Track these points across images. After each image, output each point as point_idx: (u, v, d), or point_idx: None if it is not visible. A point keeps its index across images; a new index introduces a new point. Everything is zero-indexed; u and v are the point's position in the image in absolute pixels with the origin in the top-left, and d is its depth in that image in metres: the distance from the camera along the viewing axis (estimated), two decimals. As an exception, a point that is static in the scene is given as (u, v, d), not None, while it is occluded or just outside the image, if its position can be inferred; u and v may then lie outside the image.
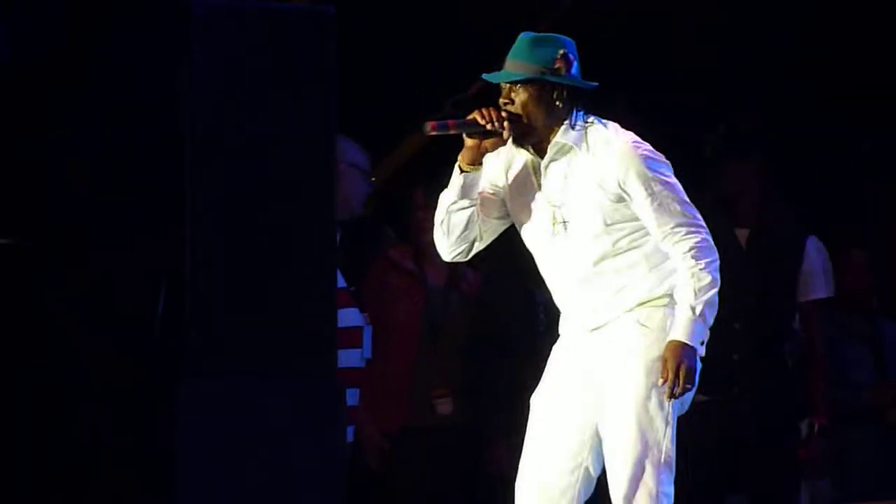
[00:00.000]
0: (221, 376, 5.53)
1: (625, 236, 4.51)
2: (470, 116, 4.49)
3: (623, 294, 4.49)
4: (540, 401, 4.59)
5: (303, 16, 5.74)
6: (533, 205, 4.56)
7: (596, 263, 4.50)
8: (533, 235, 4.59)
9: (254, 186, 5.60)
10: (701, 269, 4.42)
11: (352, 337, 6.26)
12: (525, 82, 4.49)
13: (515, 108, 4.49)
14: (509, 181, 4.61)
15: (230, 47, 5.58)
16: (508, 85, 4.52)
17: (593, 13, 7.42)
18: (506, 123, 4.47)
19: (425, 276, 6.71)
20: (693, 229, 4.46)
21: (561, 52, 4.51)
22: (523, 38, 4.55)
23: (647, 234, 4.50)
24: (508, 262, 6.50)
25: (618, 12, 7.50)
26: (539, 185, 4.55)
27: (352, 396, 6.25)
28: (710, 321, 4.44)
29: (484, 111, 4.46)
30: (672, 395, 4.37)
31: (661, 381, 4.38)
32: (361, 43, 6.74)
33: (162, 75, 5.69)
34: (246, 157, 5.59)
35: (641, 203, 4.46)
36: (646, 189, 4.46)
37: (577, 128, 4.53)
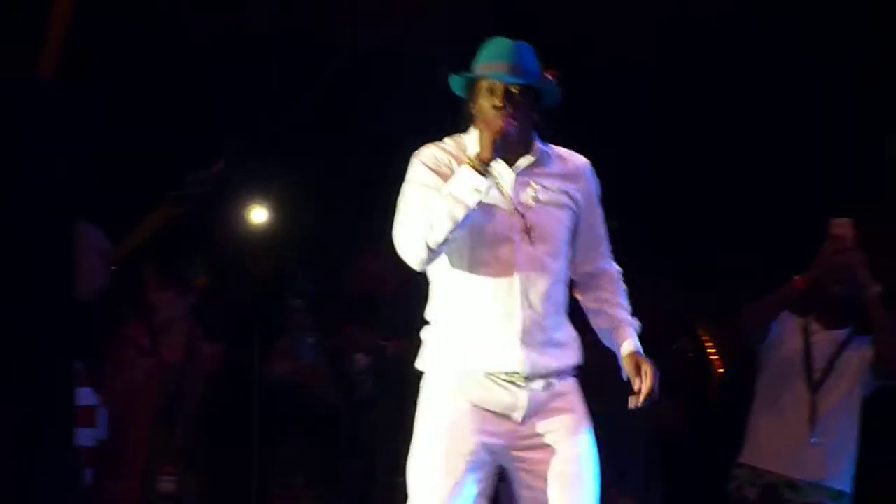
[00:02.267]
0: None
1: (566, 266, 4.53)
2: (503, 122, 4.34)
3: (564, 349, 4.49)
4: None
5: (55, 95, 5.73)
6: (495, 214, 4.43)
7: (551, 285, 4.45)
8: (489, 248, 4.42)
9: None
10: (627, 293, 4.60)
11: (86, 416, 6.25)
12: (530, 88, 4.42)
13: (511, 113, 4.38)
14: None
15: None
16: (508, 87, 4.41)
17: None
18: (515, 128, 4.39)
19: (161, 353, 6.66)
20: None
21: (543, 64, 4.51)
22: (512, 42, 4.46)
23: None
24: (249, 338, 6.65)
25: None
26: (503, 195, 4.45)
27: (86, 476, 6.23)
28: None
29: (509, 123, 4.34)
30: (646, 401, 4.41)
31: (643, 389, 4.39)
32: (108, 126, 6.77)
33: None
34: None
35: (596, 221, 4.56)
36: (600, 210, 4.57)
37: (545, 142, 4.55)
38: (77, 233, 5.80)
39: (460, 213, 4.29)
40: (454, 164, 4.41)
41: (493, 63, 4.42)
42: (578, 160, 4.58)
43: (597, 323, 4.63)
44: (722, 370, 8.04)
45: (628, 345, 4.52)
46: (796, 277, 6.19)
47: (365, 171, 7.39)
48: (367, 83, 7.50)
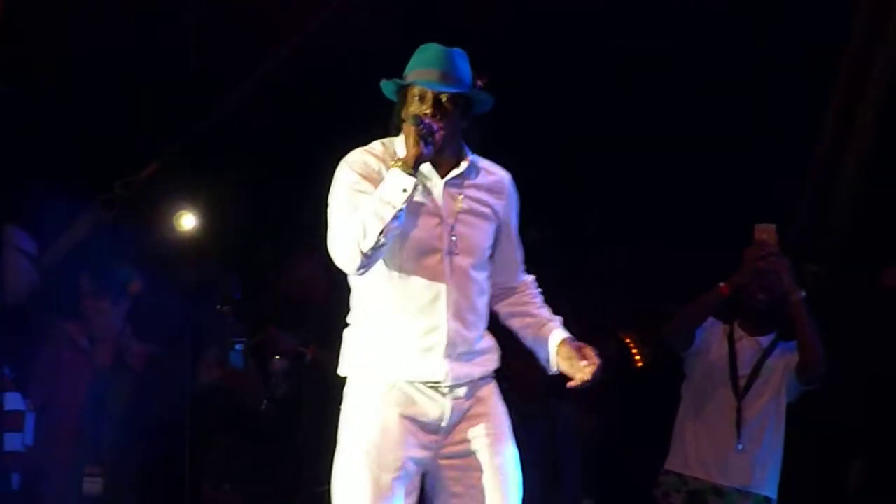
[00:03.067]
0: None
1: (488, 277, 4.54)
2: (426, 121, 4.31)
3: (485, 356, 4.51)
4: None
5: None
6: (423, 223, 4.42)
7: (475, 296, 4.46)
8: (417, 256, 4.41)
9: None
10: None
11: (14, 421, 6.21)
12: (460, 96, 4.40)
13: (440, 120, 4.36)
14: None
15: None
16: (438, 95, 4.39)
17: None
18: (442, 133, 4.36)
19: (95, 356, 6.61)
20: None
21: (476, 72, 4.48)
22: (445, 49, 4.44)
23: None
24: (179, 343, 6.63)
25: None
26: (433, 204, 4.44)
27: (13, 481, 6.19)
28: None
29: (432, 119, 4.32)
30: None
31: (587, 368, 4.43)
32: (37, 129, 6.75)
33: None
34: None
35: (514, 235, 4.59)
36: (517, 223, 4.60)
37: (471, 152, 4.54)
38: (3, 236, 5.77)
39: (388, 215, 4.27)
40: (383, 170, 4.40)
41: (425, 70, 4.41)
42: (502, 173, 4.61)
43: (519, 325, 4.67)
44: (640, 366, 8.11)
45: (559, 333, 4.57)
46: (721, 284, 6.22)
47: (294, 175, 7.39)
48: (295, 85, 7.49)
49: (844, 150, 7.88)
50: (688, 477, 6.30)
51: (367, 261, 4.33)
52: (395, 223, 4.29)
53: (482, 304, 4.51)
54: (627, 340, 8.16)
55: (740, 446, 6.22)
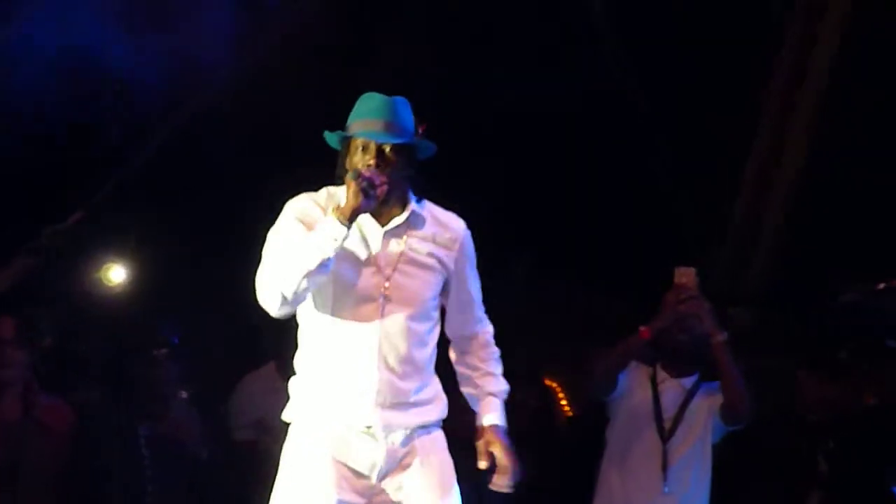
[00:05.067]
0: None
1: (432, 328, 4.50)
2: (367, 175, 4.30)
3: (426, 407, 4.48)
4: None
5: None
6: (360, 271, 4.38)
7: (412, 347, 4.42)
8: (352, 304, 4.38)
9: None
10: (499, 356, 4.62)
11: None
12: (404, 146, 4.38)
13: (384, 171, 4.33)
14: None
15: None
16: (382, 146, 4.36)
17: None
18: (385, 187, 4.33)
19: (1, 412, 6.40)
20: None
21: (417, 118, 4.47)
22: (388, 98, 4.40)
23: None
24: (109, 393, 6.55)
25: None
26: (370, 253, 4.41)
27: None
28: None
29: (373, 172, 4.29)
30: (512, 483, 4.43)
31: (504, 469, 4.42)
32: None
33: None
34: None
35: (469, 286, 4.54)
36: (475, 272, 4.55)
37: (421, 200, 4.51)
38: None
39: (315, 262, 4.27)
40: (323, 217, 4.39)
41: (368, 120, 4.41)
42: (455, 224, 4.59)
43: (465, 390, 4.67)
44: (569, 416, 8.11)
45: (488, 418, 4.55)
46: (642, 328, 6.27)
47: (228, 216, 7.40)
48: (216, 129, 7.50)
49: (770, 191, 8.00)
50: None
51: (288, 304, 4.33)
52: (322, 270, 4.29)
53: (421, 355, 4.48)
54: (555, 387, 8.16)
55: (667, 489, 6.24)
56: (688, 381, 6.42)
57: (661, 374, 6.42)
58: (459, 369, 4.68)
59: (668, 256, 8.14)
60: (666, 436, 6.31)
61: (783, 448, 7.02)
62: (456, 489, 4.51)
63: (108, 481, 6.42)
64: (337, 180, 4.50)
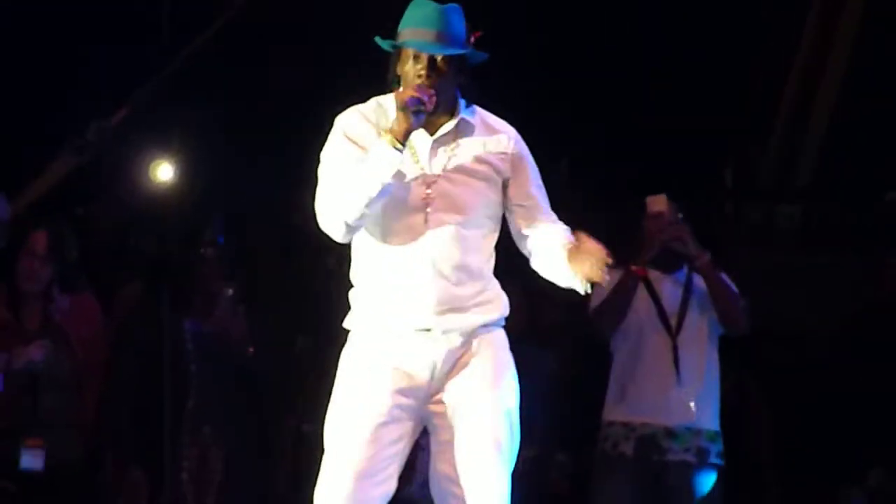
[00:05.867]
0: None
1: (487, 234, 4.46)
2: (412, 92, 4.24)
3: (485, 306, 4.44)
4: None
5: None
6: (407, 181, 4.34)
7: (465, 253, 4.39)
8: (401, 214, 4.37)
9: None
10: None
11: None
12: (455, 55, 4.33)
13: (435, 82, 4.30)
14: None
15: None
16: (433, 56, 4.32)
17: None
18: (434, 99, 4.29)
19: (22, 325, 6.46)
20: None
21: (469, 25, 4.42)
22: (440, 6, 4.36)
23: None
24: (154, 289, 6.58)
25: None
26: (419, 162, 4.38)
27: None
28: None
29: (423, 87, 4.26)
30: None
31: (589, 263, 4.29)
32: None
33: None
34: None
35: (531, 188, 4.46)
36: (534, 175, 4.48)
37: (471, 107, 4.47)
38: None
39: (375, 189, 4.26)
40: (374, 133, 4.35)
41: (419, 30, 4.35)
42: (504, 129, 4.53)
43: (537, 260, 4.55)
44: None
45: (560, 239, 4.43)
46: (633, 267, 6.29)
47: (276, 115, 7.35)
48: (268, 25, 7.44)
49: (818, 84, 7.93)
50: (635, 423, 6.31)
51: (352, 230, 4.35)
52: (382, 195, 4.28)
53: (476, 261, 4.44)
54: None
55: (682, 385, 6.26)
56: (680, 275, 6.42)
57: (653, 273, 6.42)
58: (531, 246, 4.54)
59: (713, 154, 8.11)
60: (674, 331, 6.33)
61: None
62: (509, 382, 4.49)
63: (150, 377, 6.46)
64: (387, 87, 4.46)
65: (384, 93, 4.48)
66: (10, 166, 6.86)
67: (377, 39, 4.41)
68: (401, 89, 4.36)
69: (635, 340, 6.35)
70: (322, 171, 4.41)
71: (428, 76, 4.32)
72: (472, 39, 4.41)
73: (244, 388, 6.57)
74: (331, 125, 4.45)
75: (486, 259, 4.49)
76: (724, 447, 6.33)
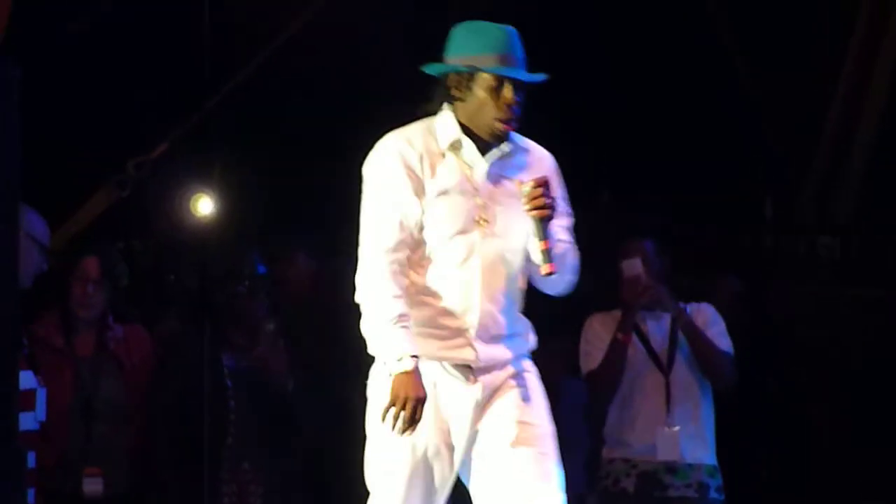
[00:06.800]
0: None
1: (528, 257, 4.46)
2: (546, 212, 4.30)
3: (522, 336, 4.48)
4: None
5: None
6: (461, 204, 4.37)
7: (513, 278, 4.43)
8: (453, 238, 4.37)
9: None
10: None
11: (27, 400, 6.16)
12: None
13: (521, 105, 4.37)
14: (436, 173, 4.36)
15: None
16: (522, 83, 4.35)
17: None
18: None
19: (74, 351, 6.47)
20: None
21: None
22: (508, 29, 4.37)
23: None
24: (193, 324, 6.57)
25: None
26: (472, 185, 4.39)
27: (29, 459, 6.16)
28: None
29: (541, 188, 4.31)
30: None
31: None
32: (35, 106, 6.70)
33: None
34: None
35: (560, 210, 4.46)
36: (562, 202, 4.48)
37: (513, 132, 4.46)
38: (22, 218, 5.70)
39: (378, 335, 4.30)
40: (424, 163, 4.35)
41: (504, 55, 4.34)
42: (542, 154, 4.55)
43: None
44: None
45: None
46: (620, 336, 6.30)
47: (315, 148, 7.37)
48: (311, 61, 7.47)
49: (860, 116, 7.90)
50: (635, 460, 6.31)
51: None
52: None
53: (517, 286, 4.48)
54: None
55: (675, 422, 6.26)
56: (666, 314, 6.41)
57: (640, 314, 6.41)
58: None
59: (752, 183, 8.07)
60: (666, 368, 6.34)
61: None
62: (547, 406, 4.50)
63: (189, 414, 6.45)
64: (430, 106, 4.45)
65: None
66: (53, 200, 6.87)
67: (431, 65, 4.39)
68: (533, 187, 4.34)
69: (630, 378, 6.34)
70: (365, 210, 4.41)
71: (519, 105, 4.35)
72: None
73: (284, 423, 6.55)
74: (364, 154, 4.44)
75: (524, 284, 4.52)
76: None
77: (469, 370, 4.42)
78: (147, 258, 7.45)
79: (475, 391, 4.41)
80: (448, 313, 4.39)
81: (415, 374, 4.26)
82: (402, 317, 4.29)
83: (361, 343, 4.39)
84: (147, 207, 7.29)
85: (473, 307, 4.39)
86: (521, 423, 4.42)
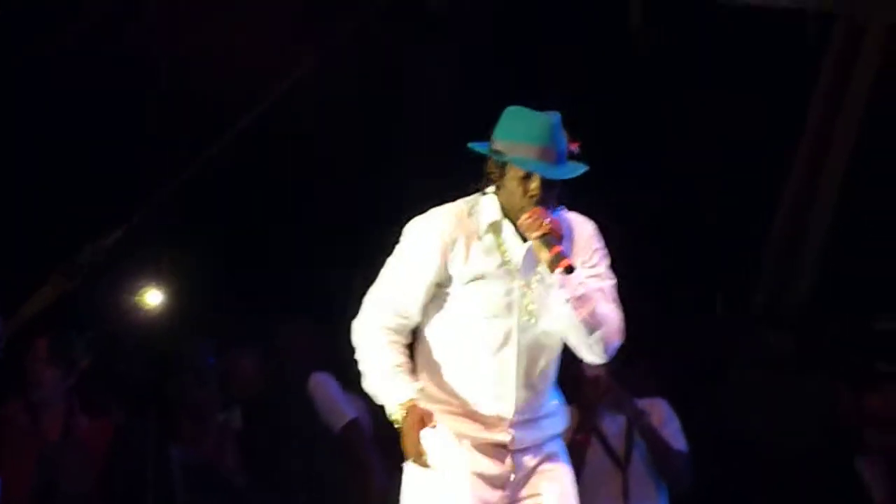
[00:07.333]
0: None
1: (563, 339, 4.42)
2: (546, 228, 4.22)
3: (555, 417, 4.45)
4: None
5: None
6: (501, 285, 4.31)
7: (551, 360, 4.40)
8: (491, 319, 4.31)
9: None
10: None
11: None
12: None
13: (545, 199, 4.29)
14: (471, 257, 4.32)
15: None
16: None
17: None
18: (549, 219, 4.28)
19: (40, 432, 6.44)
20: None
21: (568, 135, 4.35)
22: (551, 121, 4.28)
23: None
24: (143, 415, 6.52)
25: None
26: (510, 266, 4.33)
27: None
28: None
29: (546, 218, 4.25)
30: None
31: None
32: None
33: None
34: None
35: (600, 273, 4.40)
36: (602, 271, 4.41)
37: (558, 207, 4.40)
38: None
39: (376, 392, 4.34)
40: (458, 246, 4.31)
41: (533, 146, 4.26)
42: (586, 228, 4.48)
43: None
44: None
45: None
46: (578, 437, 6.29)
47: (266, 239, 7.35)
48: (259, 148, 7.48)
49: (810, 209, 7.94)
50: None
51: None
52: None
53: (553, 368, 4.45)
54: None
55: None
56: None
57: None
58: None
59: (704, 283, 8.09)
60: (623, 463, 6.36)
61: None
62: (576, 494, 4.48)
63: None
64: (479, 183, 4.41)
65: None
66: (5, 287, 6.83)
67: (474, 145, 4.33)
68: (526, 217, 4.30)
69: (588, 475, 6.27)
70: (383, 273, 4.40)
71: (542, 198, 4.28)
72: (575, 150, 4.34)
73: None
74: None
75: (557, 366, 4.49)
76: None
77: (504, 449, 4.39)
78: (95, 348, 7.37)
79: (511, 469, 4.39)
80: (483, 399, 4.36)
81: (410, 415, 4.26)
82: (397, 366, 4.31)
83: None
84: (95, 297, 7.23)
85: (509, 395, 4.36)
86: None
